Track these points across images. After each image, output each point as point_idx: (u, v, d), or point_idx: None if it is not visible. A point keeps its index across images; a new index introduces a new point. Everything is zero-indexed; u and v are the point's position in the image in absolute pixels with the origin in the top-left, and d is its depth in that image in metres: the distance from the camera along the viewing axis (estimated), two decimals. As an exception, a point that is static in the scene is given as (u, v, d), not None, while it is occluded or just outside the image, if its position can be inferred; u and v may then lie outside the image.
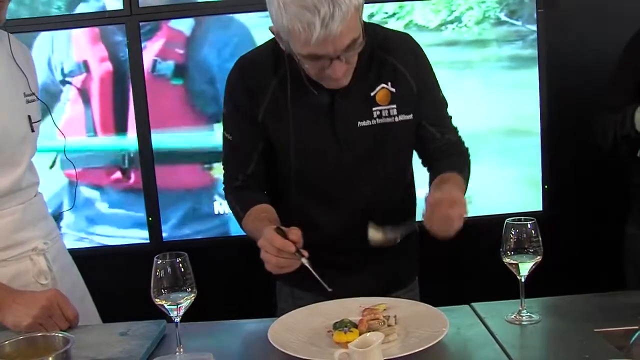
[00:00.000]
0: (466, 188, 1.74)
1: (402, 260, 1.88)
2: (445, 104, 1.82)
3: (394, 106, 1.70)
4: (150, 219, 3.02)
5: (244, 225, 1.76)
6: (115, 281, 2.80)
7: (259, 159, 1.77)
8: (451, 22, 2.93)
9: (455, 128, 1.84)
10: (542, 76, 2.98)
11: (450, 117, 1.83)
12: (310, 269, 1.54)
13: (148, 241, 3.04)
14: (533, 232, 1.52)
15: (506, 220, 1.55)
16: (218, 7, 2.94)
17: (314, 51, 1.50)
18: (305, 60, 1.55)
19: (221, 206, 3.01)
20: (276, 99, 1.70)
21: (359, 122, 1.69)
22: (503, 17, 2.95)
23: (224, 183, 1.86)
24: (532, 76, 2.98)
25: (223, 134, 1.81)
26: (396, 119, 1.71)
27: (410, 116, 1.72)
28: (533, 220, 1.53)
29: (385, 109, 1.70)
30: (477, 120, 2.89)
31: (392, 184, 1.79)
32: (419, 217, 1.86)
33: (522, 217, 1.54)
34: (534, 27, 2.95)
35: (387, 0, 2.89)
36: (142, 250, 2.96)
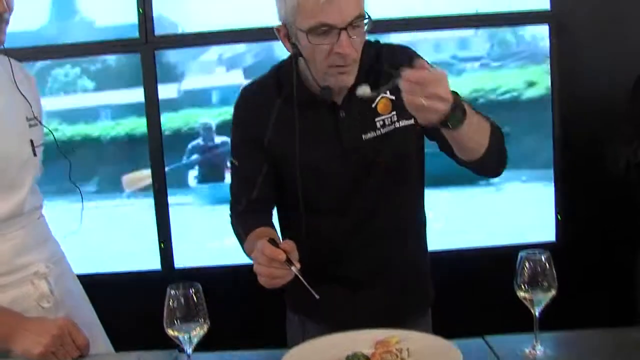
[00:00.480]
0: (492, 127, 1.61)
1: (412, 279, 1.87)
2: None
3: (394, 112, 1.71)
4: (162, 245, 3.02)
5: (246, 248, 1.76)
6: (126, 308, 2.80)
7: (263, 183, 1.78)
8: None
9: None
10: (555, 107, 2.99)
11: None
12: (300, 277, 1.51)
13: (160, 268, 3.04)
14: (547, 265, 1.51)
15: (520, 253, 1.53)
16: (233, 35, 2.97)
17: (322, 19, 1.53)
18: (314, 39, 1.56)
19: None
20: (281, 120, 1.72)
21: (364, 135, 1.71)
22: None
23: (229, 209, 1.88)
24: (544, 106, 2.99)
25: (230, 161, 1.84)
26: (397, 124, 1.72)
27: (412, 121, 1.70)
28: (547, 253, 1.52)
29: (387, 118, 1.71)
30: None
31: (399, 193, 1.78)
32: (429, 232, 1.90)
33: (537, 251, 1.53)
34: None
35: (400, 30, 2.92)
36: (153, 278, 2.97)
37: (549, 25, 2.96)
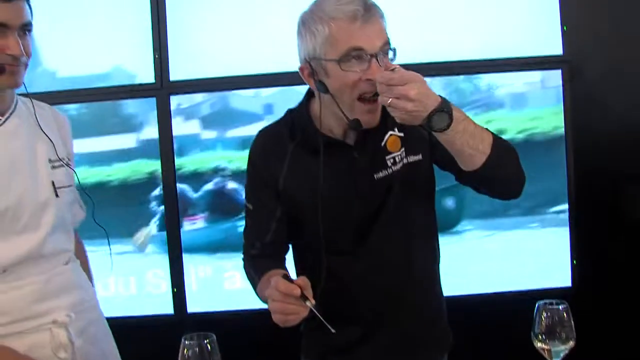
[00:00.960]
0: (495, 140, 1.62)
1: (429, 322, 1.86)
2: None
3: (403, 149, 1.73)
4: (174, 290, 3.01)
5: (259, 290, 1.76)
6: (138, 353, 2.77)
7: (277, 227, 1.79)
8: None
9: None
10: (570, 149, 2.98)
11: None
12: (315, 312, 1.51)
13: (172, 313, 3.03)
14: (565, 315, 1.49)
15: (537, 303, 1.51)
16: (247, 81, 3.00)
17: (355, 43, 1.57)
18: (345, 65, 1.59)
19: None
20: (295, 164, 1.74)
21: (376, 175, 1.72)
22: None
23: (242, 253, 1.88)
24: (559, 148, 2.99)
25: (245, 205, 1.85)
26: (406, 160, 1.74)
27: (420, 156, 1.74)
28: (565, 304, 1.50)
29: (397, 155, 1.73)
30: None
31: (412, 232, 1.78)
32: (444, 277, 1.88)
33: (554, 301, 1.51)
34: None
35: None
36: (166, 322, 2.96)
37: (562, 70, 2.97)
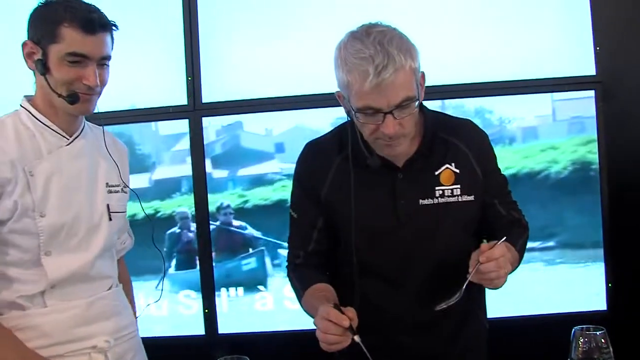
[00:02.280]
0: (519, 260, 1.77)
1: (469, 356, 1.85)
2: (507, 181, 1.87)
3: (458, 186, 1.73)
4: (206, 311, 3.02)
5: (303, 303, 1.79)
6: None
7: (319, 237, 1.81)
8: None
9: (516, 202, 1.87)
10: (603, 174, 2.95)
11: (510, 192, 1.87)
12: (362, 346, 1.52)
13: (204, 334, 3.03)
14: (602, 341, 1.47)
15: (574, 329, 1.49)
16: (278, 103, 3.02)
17: (368, 102, 1.56)
18: (361, 117, 1.60)
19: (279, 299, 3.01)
20: (339, 177, 1.75)
21: (421, 200, 1.72)
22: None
23: (287, 261, 1.89)
24: (592, 174, 2.96)
25: (290, 213, 1.87)
26: (459, 198, 1.73)
27: (472, 197, 1.74)
28: (603, 330, 1.48)
29: (448, 189, 1.73)
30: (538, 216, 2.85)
31: (451, 264, 1.74)
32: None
33: (591, 326, 1.48)
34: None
35: (450, 97, 2.93)
36: (197, 343, 2.97)
37: (595, 91, 2.94)
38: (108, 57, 1.74)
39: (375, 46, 1.53)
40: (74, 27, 1.65)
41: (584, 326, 1.48)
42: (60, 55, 1.66)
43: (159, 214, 3.08)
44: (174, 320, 3.09)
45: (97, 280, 1.81)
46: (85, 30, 1.66)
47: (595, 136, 2.96)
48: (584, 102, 2.97)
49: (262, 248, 3.06)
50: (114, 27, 1.74)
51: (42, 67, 1.68)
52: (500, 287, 1.60)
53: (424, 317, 1.73)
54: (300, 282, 1.81)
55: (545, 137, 2.98)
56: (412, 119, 1.63)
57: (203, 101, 3.04)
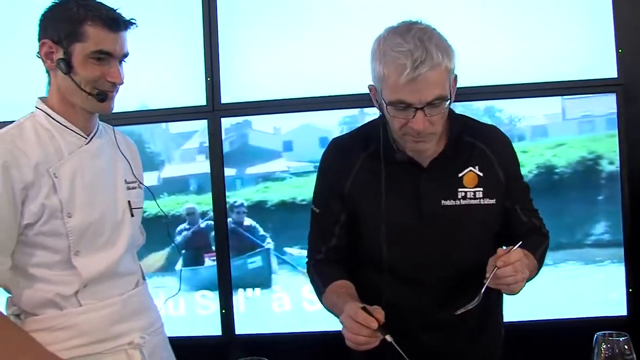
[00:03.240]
0: (539, 268, 1.78)
1: (483, 346, 1.85)
2: (529, 189, 1.87)
3: (481, 189, 1.74)
4: (223, 311, 3.02)
5: (324, 299, 1.79)
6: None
7: (340, 232, 1.82)
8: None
9: (537, 210, 1.87)
10: (623, 176, 2.92)
11: (532, 200, 1.87)
12: (395, 345, 1.52)
13: (220, 334, 3.04)
14: (626, 347, 1.44)
15: (596, 334, 1.47)
16: (296, 104, 3.02)
17: (402, 96, 1.57)
18: (392, 111, 1.61)
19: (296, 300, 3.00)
20: (363, 172, 1.76)
21: (443, 201, 1.73)
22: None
23: (307, 257, 1.90)
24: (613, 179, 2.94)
25: (311, 209, 1.87)
26: (482, 201, 1.74)
27: (494, 201, 1.75)
28: (626, 336, 1.46)
29: (471, 191, 1.74)
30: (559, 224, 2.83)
31: (471, 266, 1.75)
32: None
33: (614, 332, 1.46)
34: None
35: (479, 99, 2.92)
36: (214, 344, 2.97)
37: (617, 94, 2.91)
38: (127, 55, 1.76)
39: (415, 41, 1.54)
40: (98, 26, 1.67)
41: (607, 332, 1.46)
42: (85, 54, 1.68)
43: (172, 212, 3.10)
44: (191, 320, 3.09)
45: (125, 277, 1.84)
46: (110, 28, 1.69)
47: (603, 133, 2.93)
48: (592, 101, 2.95)
49: (268, 247, 3.07)
50: (134, 25, 1.75)
51: (65, 66, 1.68)
52: (518, 292, 1.60)
53: (444, 316, 1.72)
54: (321, 278, 1.82)
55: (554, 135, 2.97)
56: (441, 118, 1.63)
57: (222, 102, 3.04)
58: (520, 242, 1.59)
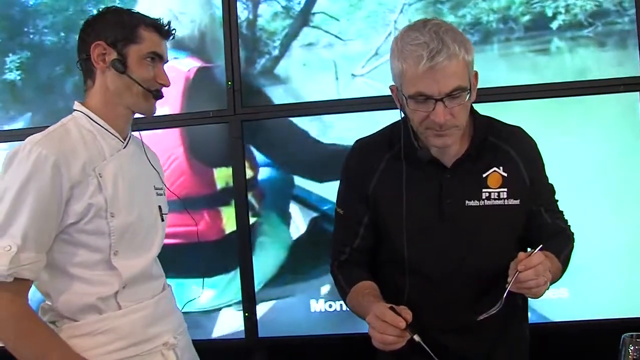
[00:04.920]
0: (563, 270, 1.78)
1: (508, 348, 1.84)
2: (554, 191, 1.88)
3: (505, 190, 1.75)
4: (247, 314, 3.03)
5: (349, 300, 1.80)
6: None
7: (364, 233, 1.83)
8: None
9: (562, 212, 1.89)
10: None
11: (557, 201, 1.88)
12: (423, 345, 1.53)
13: (244, 337, 3.04)
14: (655, 349, 1.44)
15: (623, 336, 1.46)
16: (317, 107, 3.03)
17: (420, 88, 1.59)
18: (412, 104, 1.63)
19: (317, 304, 3.01)
20: (388, 172, 1.77)
21: (467, 202, 1.73)
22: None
23: (331, 257, 1.91)
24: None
25: (335, 210, 1.89)
26: (506, 202, 1.75)
27: (518, 202, 1.76)
28: (655, 337, 1.44)
29: (495, 192, 1.74)
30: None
31: (494, 267, 1.74)
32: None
33: (641, 333, 1.45)
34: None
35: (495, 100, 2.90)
36: (237, 347, 2.98)
37: (640, 93, 2.88)
38: (167, 62, 1.88)
39: (430, 34, 1.59)
40: (152, 30, 1.82)
41: (634, 333, 1.46)
42: (141, 54, 1.80)
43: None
44: (214, 322, 3.10)
45: (156, 280, 1.89)
46: (161, 34, 1.83)
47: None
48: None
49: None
50: (174, 36, 1.89)
51: (121, 66, 1.77)
52: (541, 296, 1.60)
53: (465, 319, 1.72)
54: (346, 279, 1.83)
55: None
56: (463, 110, 1.64)
57: (243, 105, 3.05)
58: (541, 246, 1.59)
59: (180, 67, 3.09)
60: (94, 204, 1.71)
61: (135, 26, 1.80)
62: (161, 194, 1.96)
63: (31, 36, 3.17)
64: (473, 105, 1.76)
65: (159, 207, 1.92)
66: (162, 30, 1.84)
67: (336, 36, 3.02)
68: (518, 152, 1.78)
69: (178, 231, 2.96)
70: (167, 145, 3.07)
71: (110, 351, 1.75)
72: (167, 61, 1.88)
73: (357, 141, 1.90)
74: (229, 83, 3.04)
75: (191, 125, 3.08)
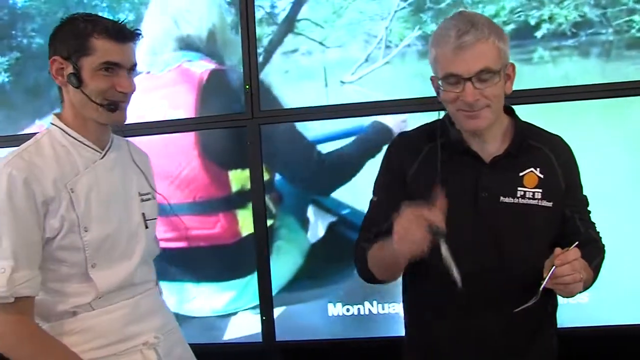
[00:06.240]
0: (593, 280, 1.76)
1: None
2: (588, 202, 1.88)
3: (540, 191, 1.75)
4: (264, 318, 3.03)
5: (370, 255, 1.79)
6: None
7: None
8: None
9: (594, 224, 1.88)
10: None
11: (590, 212, 1.88)
12: (446, 251, 1.54)
13: (261, 341, 3.04)
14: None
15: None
16: (336, 110, 3.01)
17: (450, 69, 1.64)
18: (445, 86, 1.68)
19: (335, 308, 3.00)
20: (427, 162, 1.78)
21: (502, 198, 1.74)
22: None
23: (356, 242, 1.89)
24: None
25: (370, 200, 1.89)
26: (540, 202, 1.75)
27: (551, 204, 1.76)
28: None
29: (530, 191, 1.75)
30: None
31: (525, 268, 1.73)
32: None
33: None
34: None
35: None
36: (254, 351, 2.98)
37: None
38: (136, 65, 1.81)
39: (463, 19, 1.65)
40: (104, 38, 1.74)
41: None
42: (94, 66, 1.74)
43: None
44: (231, 326, 3.10)
45: (140, 285, 1.89)
46: (117, 40, 1.75)
47: None
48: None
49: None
50: (140, 36, 1.81)
51: (76, 80, 1.74)
52: (575, 295, 1.60)
53: (490, 322, 1.72)
54: (368, 244, 1.80)
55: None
56: (495, 91, 1.66)
57: (262, 108, 3.05)
58: (577, 242, 1.59)
59: (193, 69, 3.10)
60: (66, 219, 1.72)
61: (86, 36, 1.73)
62: (148, 199, 1.93)
63: (19, 39, 3.23)
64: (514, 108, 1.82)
65: (142, 214, 1.89)
66: (117, 35, 1.75)
67: (320, 43, 3.03)
68: (556, 157, 1.79)
69: (197, 234, 2.99)
70: (180, 148, 3.09)
71: (87, 350, 1.75)
72: (134, 64, 1.80)
73: (398, 134, 1.93)
74: (247, 86, 3.04)
75: (208, 129, 3.08)
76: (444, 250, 1.53)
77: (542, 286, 1.58)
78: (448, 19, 1.70)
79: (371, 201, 1.89)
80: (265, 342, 3.02)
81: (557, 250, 1.58)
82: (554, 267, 1.55)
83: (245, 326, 3.07)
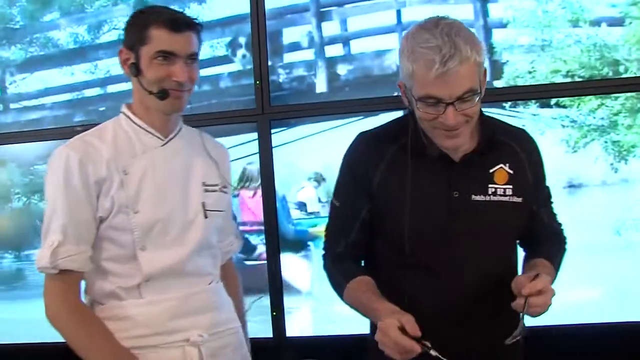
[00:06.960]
0: (556, 276, 1.77)
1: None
2: (551, 193, 1.90)
3: (510, 187, 1.75)
4: (274, 314, 3.03)
5: (346, 295, 1.78)
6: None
7: (360, 227, 1.80)
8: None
9: (557, 215, 1.91)
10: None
11: (553, 203, 1.91)
12: (440, 357, 1.51)
13: (272, 337, 3.05)
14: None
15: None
16: (347, 106, 3.01)
17: (431, 91, 1.57)
18: (422, 106, 1.61)
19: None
20: (393, 165, 1.75)
21: (474, 196, 1.73)
22: None
23: (323, 250, 1.89)
24: None
25: (331, 202, 1.87)
26: (511, 199, 1.75)
27: (521, 200, 1.76)
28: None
29: (500, 188, 1.75)
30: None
31: (497, 264, 1.78)
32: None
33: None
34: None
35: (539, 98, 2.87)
36: (265, 346, 2.97)
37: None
38: (195, 54, 1.83)
39: (442, 37, 1.55)
40: (160, 27, 1.78)
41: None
42: (150, 55, 1.78)
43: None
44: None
45: (194, 277, 1.88)
46: (171, 29, 1.78)
47: None
48: None
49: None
50: (199, 26, 1.84)
51: (135, 70, 1.81)
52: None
53: (464, 311, 1.73)
54: (342, 273, 1.80)
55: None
56: (475, 107, 1.63)
57: (272, 104, 3.05)
58: (537, 274, 1.59)
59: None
60: (116, 199, 1.78)
61: (145, 27, 1.79)
62: (213, 190, 1.94)
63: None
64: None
65: (203, 203, 1.90)
66: (172, 24, 1.78)
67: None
68: (524, 151, 1.79)
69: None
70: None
71: (128, 337, 1.79)
72: (192, 53, 1.81)
73: (360, 133, 1.86)
74: (257, 82, 3.04)
75: (219, 125, 3.07)
76: (438, 355, 1.51)
77: (521, 320, 1.56)
78: (425, 32, 1.58)
79: (332, 204, 1.86)
80: (275, 338, 3.03)
81: (520, 278, 1.60)
82: (527, 298, 1.54)
83: (255, 323, 3.07)
